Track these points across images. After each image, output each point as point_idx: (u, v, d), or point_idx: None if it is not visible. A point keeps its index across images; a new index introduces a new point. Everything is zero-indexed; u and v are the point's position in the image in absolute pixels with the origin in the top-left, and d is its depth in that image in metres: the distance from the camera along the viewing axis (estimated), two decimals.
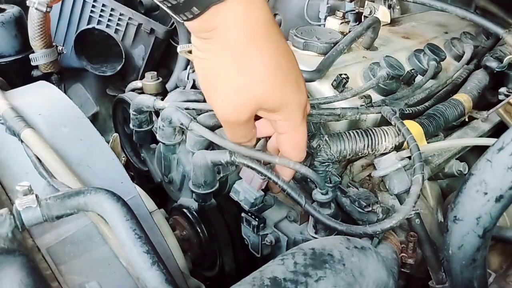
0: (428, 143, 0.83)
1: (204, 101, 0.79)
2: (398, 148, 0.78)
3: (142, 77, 1.32)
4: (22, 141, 0.68)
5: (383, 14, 1.14)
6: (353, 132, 0.77)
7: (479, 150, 0.65)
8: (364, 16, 1.18)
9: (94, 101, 1.73)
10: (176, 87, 1.13)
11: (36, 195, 0.54)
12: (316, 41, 0.91)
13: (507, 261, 0.87)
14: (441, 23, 1.22)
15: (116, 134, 0.96)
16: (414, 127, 0.82)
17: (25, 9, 1.38)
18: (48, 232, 0.61)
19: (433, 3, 1.06)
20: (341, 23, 1.06)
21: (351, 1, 1.27)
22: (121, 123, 1.13)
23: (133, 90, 1.16)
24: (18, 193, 0.54)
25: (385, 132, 0.77)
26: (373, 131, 0.78)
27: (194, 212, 0.90)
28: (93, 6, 1.53)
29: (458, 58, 1.05)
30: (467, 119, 0.95)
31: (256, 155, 0.68)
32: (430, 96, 0.95)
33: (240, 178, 0.74)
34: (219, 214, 0.92)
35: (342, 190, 0.79)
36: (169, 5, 0.50)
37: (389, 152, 0.77)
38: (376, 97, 0.88)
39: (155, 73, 1.15)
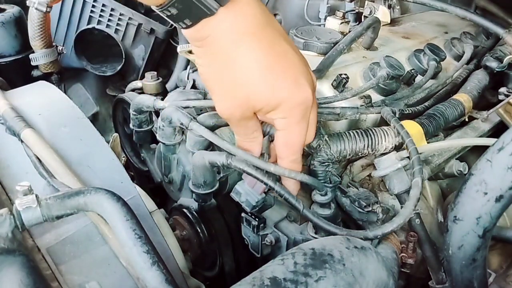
0: (428, 143, 0.83)
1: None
2: (398, 148, 0.78)
3: (142, 77, 1.32)
4: (22, 141, 0.68)
5: (383, 14, 1.14)
6: (353, 132, 0.77)
7: (479, 150, 0.65)
8: (364, 16, 1.18)
9: (94, 101, 1.73)
10: (176, 87, 1.12)
11: (36, 195, 0.54)
12: (316, 41, 0.91)
13: (507, 261, 0.86)
14: (441, 23, 1.21)
15: (116, 134, 0.96)
16: (414, 127, 0.82)
17: (25, 9, 1.38)
18: (48, 232, 0.61)
19: (433, 3, 1.06)
20: (341, 23, 1.06)
21: (351, 1, 1.28)
22: (121, 123, 1.13)
23: (133, 90, 1.16)
24: (18, 193, 0.54)
25: (385, 132, 0.77)
26: (373, 131, 0.78)
27: (194, 212, 0.89)
28: (93, 6, 1.53)
29: (458, 58, 1.05)
30: (467, 119, 0.95)
31: (251, 160, 0.67)
32: (430, 95, 0.95)
33: (241, 179, 0.74)
34: (219, 214, 0.92)
35: (342, 190, 0.79)
36: (168, 14, 0.55)
37: (389, 152, 0.77)
38: (376, 97, 0.88)
39: (155, 73, 1.15)
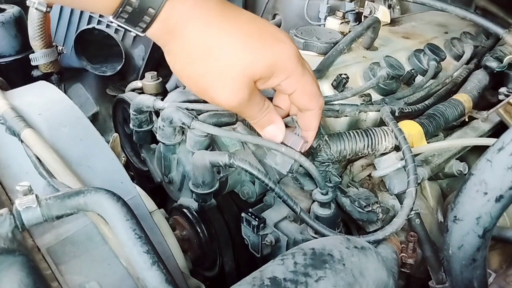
0: (428, 143, 0.83)
1: (204, 101, 0.79)
2: (398, 148, 0.78)
3: (142, 77, 1.32)
4: (22, 141, 0.68)
5: (383, 14, 1.14)
6: (353, 132, 0.77)
7: (479, 150, 0.65)
8: (364, 16, 1.18)
9: (94, 101, 1.73)
10: (176, 87, 1.12)
11: (36, 195, 0.54)
12: (316, 41, 0.91)
13: (507, 261, 0.87)
14: (441, 23, 1.22)
15: (116, 134, 0.96)
16: (414, 127, 0.82)
17: (25, 9, 1.38)
18: (48, 232, 0.61)
19: (433, 3, 1.06)
20: (341, 23, 1.06)
21: (351, 1, 1.28)
22: (121, 123, 1.13)
23: (133, 90, 1.16)
24: (18, 193, 0.54)
25: (385, 132, 0.78)
26: (373, 131, 0.78)
27: (194, 212, 0.90)
28: None
29: (458, 58, 1.05)
30: (467, 119, 0.95)
31: (262, 143, 0.68)
32: (430, 94, 0.95)
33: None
34: (219, 214, 0.92)
35: (342, 190, 0.79)
36: (126, 16, 0.53)
37: (389, 152, 0.77)
38: (376, 97, 0.88)
39: (155, 73, 1.15)
